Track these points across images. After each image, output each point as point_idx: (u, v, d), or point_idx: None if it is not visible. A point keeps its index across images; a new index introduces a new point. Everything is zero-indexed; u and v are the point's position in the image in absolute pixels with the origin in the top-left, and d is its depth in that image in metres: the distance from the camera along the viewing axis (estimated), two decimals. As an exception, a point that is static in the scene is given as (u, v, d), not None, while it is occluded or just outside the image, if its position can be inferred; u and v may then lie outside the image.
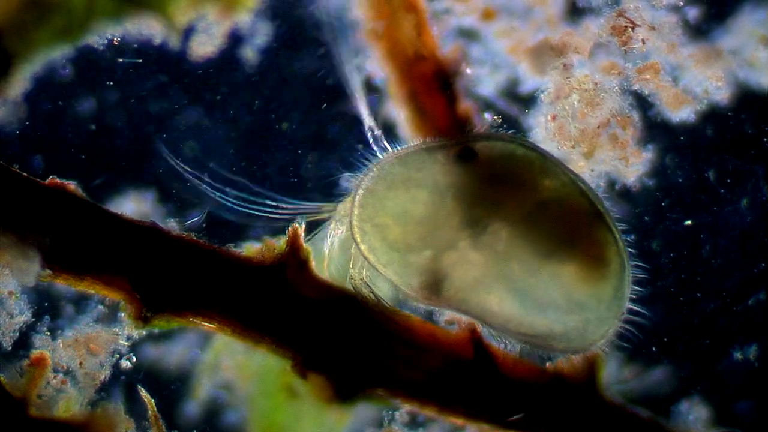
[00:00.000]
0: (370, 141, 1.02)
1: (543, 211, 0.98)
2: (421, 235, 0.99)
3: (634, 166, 1.06)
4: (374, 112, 1.04)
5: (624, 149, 1.05)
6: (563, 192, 0.98)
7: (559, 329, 0.99)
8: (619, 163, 1.06)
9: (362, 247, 1.00)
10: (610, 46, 1.06)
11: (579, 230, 0.98)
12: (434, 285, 0.99)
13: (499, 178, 0.98)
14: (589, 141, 1.05)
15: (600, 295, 0.98)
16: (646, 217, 1.30)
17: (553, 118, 1.05)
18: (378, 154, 1.02)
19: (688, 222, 1.31)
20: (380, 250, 1.00)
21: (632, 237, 1.02)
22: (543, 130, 1.06)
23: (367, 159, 1.02)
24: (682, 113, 1.07)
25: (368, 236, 1.00)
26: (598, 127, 1.04)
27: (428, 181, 0.99)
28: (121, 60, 1.25)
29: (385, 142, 1.02)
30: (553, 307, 0.98)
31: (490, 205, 0.98)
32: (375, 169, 1.01)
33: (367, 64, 1.12)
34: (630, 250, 1.01)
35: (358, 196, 1.01)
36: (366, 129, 1.03)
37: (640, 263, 1.02)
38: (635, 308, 1.01)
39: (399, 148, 1.02)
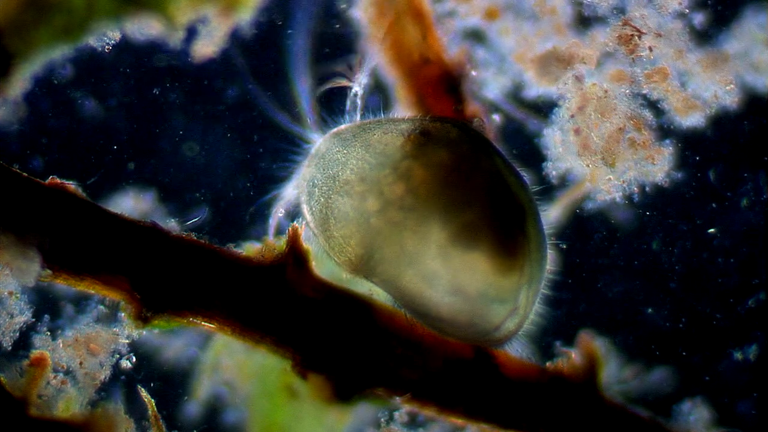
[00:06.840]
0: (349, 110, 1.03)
1: (466, 198, 0.97)
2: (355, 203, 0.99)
3: (661, 163, 1.06)
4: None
5: (646, 149, 1.05)
6: (487, 183, 0.97)
7: (464, 317, 0.98)
8: (645, 163, 1.05)
9: (304, 207, 1.00)
10: (617, 54, 1.06)
11: (495, 220, 0.97)
12: (365, 256, 0.98)
13: (435, 162, 0.98)
14: (612, 149, 1.04)
15: (505, 287, 0.97)
16: (644, 218, 1.30)
17: (576, 131, 1.05)
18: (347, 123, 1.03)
19: (712, 230, 1.31)
20: (319, 213, 1.00)
21: (563, 242, 1.03)
22: (560, 146, 1.05)
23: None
24: (691, 119, 1.07)
25: (313, 198, 1.00)
26: (618, 131, 1.04)
27: (377, 153, 0.99)
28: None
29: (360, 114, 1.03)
30: (462, 294, 0.97)
31: (421, 185, 0.97)
32: (331, 135, 1.01)
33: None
34: (558, 245, 1.02)
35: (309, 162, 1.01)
36: (351, 96, 1.04)
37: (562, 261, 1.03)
38: (544, 305, 1.01)
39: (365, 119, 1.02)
